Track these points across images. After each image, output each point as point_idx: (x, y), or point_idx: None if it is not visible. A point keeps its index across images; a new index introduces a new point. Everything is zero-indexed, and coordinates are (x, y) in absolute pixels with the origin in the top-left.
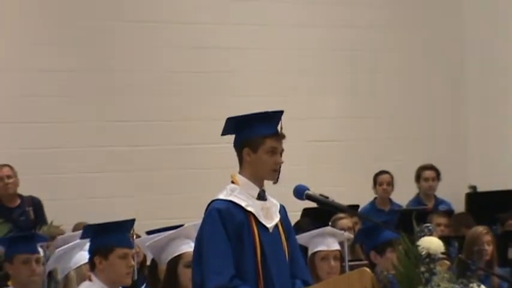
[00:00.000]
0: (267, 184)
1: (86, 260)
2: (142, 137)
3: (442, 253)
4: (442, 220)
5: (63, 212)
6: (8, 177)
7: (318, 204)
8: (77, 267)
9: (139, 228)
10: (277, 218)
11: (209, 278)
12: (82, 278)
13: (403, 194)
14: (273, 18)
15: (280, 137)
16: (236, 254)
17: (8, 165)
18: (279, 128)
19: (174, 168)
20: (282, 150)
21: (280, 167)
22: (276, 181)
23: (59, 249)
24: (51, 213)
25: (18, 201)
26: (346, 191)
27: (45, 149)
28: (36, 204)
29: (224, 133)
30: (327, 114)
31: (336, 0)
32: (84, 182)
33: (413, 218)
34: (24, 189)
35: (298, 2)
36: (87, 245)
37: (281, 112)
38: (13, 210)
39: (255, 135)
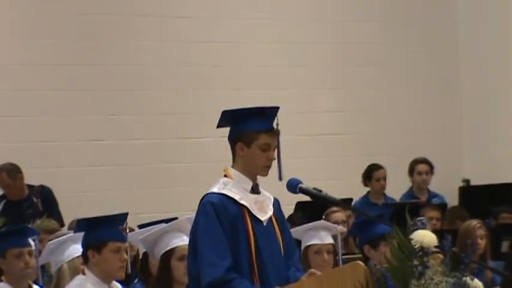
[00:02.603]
0: (261, 177)
1: (79, 253)
2: (135, 131)
3: (435, 246)
4: (434, 213)
5: None
6: (8, 186)
7: (311, 197)
8: (70, 261)
9: (132, 221)
10: (270, 212)
11: (204, 270)
12: (75, 271)
13: (397, 188)
14: (267, 12)
15: (274, 133)
16: (231, 247)
17: (5, 170)
18: (274, 124)
19: (167, 161)
20: (275, 146)
21: (280, 164)
22: (280, 178)
23: (51, 242)
24: None
25: (27, 193)
26: (339, 184)
27: (39, 142)
28: (45, 195)
29: (219, 125)
30: (320, 108)
31: None
32: (78, 176)
33: (406, 212)
34: None
35: None
36: (81, 238)
37: (277, 108)
38: (20, 204)
39: (249, 130)
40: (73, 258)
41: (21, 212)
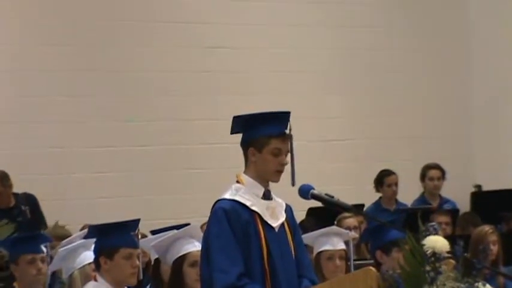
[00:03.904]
0: (273, 183)
1: (90, 260)
2: (147, 137)
3: (447, 252)
4: (444, 219)
5: (68, 212)
6: (0, 194)
7: (323, 203)
8: (81, 267)
9: (144, 228)
10: (282, 218)
11: (216, 277)
12: (86, 278)
13: (408, 193)
14: (276, 18)
15: (286, 137)
16: (243, 253)
17: None
18: (286, 128)
19: (179, 168)
20: (287, 151)
21: (293, 169)
22: (293, 183)
23: (63, 248)
24: (56, 213)
25: (13, 201)
26: (351, 190)
27: (50, 148)
28: (31, 202)
29: (233, 132)
30: (332, 114)
31: (341, 0)
32: (90, 182)
33: (418, 218)
34: (28, 189)
35: (303, 1)
36: (92, 245)
37: (288, 113)
38: (9, 211)
39: (260, 134)
40: (84, 265)
41: (11, 220)
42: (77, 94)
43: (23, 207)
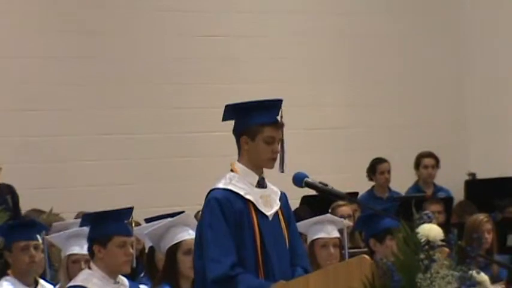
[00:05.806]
0: (267, 171)
1: (73, 252)
2: (142, 125)
3: (441, 240)
4: (436, 207)
5: (63, 200)
6: None
7: (317, 191)
8: (65, 256)
9: (139, 216)
10: (277, 206)
11: (209, 267)
12: (66, 266)
13: (403, 182)
14: (273, 5)
15: (278, 125)
16: (236, 242)
17: None
18: (278, 116)
19: (173, 156)
20: (280, 139)
21: (283, 156)
22: (282, 170)
23: (66, 232)
24: (50, 201)
25: None
26: (345, 178)
27: (45, 136)
28: (13, 193)
29: (224, 119)
30: (327, 102)
31: None
32: (84, 170)
33: (412, 206)
34: (23, 177)
35: None
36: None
37: (280, 101)
38: None
39: (253, 123)
40: (68, 254)
41: None
42: (73, 82)
43: (6, 196)
